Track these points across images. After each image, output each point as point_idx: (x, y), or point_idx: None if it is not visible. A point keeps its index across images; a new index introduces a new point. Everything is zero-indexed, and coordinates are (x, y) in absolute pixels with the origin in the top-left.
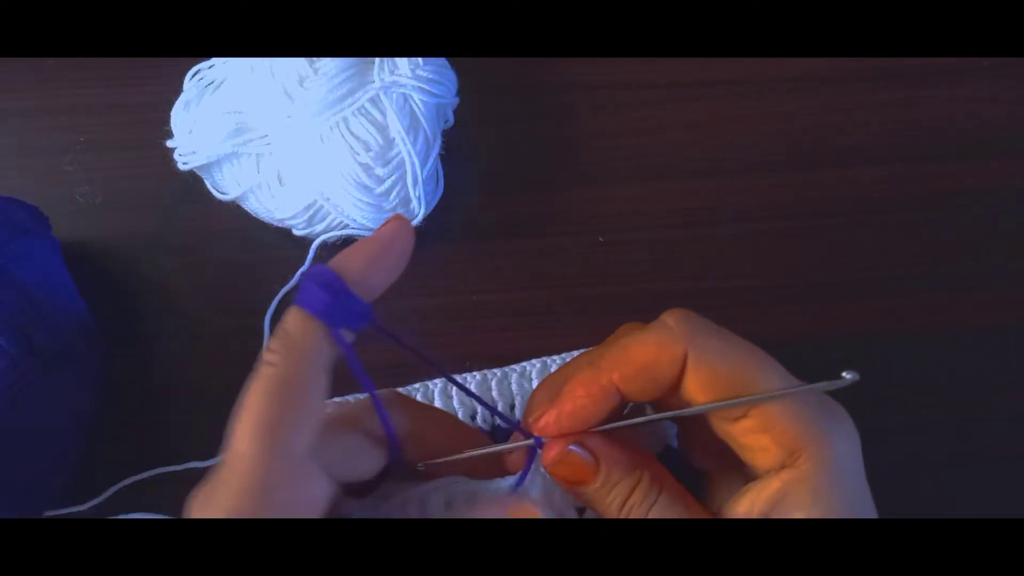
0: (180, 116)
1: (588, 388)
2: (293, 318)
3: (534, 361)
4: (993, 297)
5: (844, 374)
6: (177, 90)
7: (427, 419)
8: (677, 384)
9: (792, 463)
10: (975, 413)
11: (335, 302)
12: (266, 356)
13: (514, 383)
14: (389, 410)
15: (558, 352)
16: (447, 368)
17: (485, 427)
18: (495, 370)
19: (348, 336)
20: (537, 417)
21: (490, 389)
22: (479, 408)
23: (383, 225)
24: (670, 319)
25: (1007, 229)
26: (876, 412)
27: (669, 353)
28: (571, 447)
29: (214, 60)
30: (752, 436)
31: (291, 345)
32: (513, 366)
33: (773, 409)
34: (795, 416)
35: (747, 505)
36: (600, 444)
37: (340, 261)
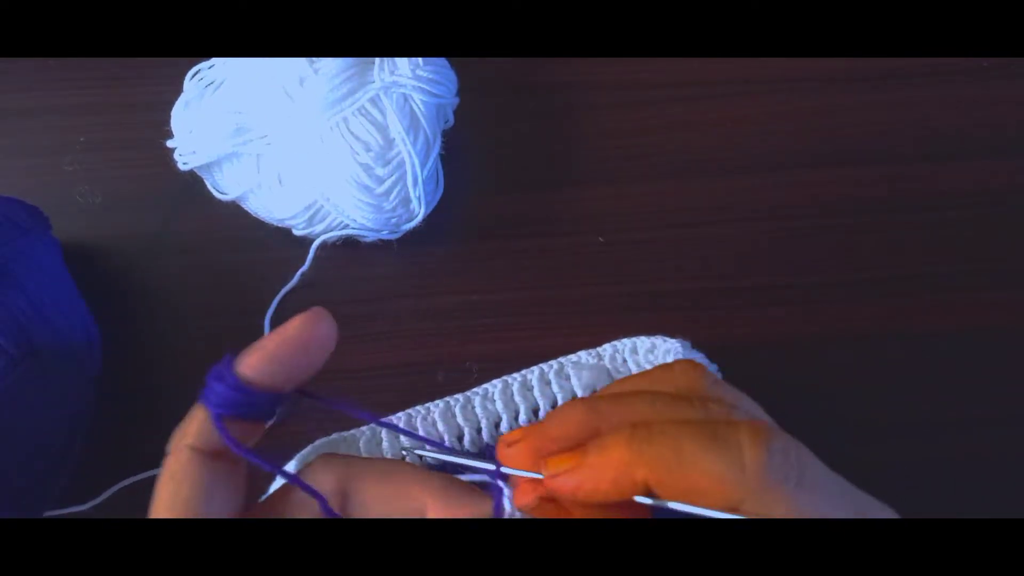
0: (180, 116)
1: (618, 479)
2: (191, 412)
3: (495, 382)
4: (993, 297)
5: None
6: (177, 90)
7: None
8: None
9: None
10: (975, 413)
11: (229, 394)
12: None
13: (478, 406)
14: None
15: (555, 356)
16: (377, 417)
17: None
18: (458, 396)
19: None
20: (555, 470)
21: (454, 416)
22: (446, 436)
23: (292, 321)
24: (749, 449)
25: (1007, 229)
26: (876, 412)
27: (724, 494)
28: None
29: (214, 60)
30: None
31: (179, 436)
32: (476, 389)
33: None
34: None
35: None
36: None
37: (241, 355)
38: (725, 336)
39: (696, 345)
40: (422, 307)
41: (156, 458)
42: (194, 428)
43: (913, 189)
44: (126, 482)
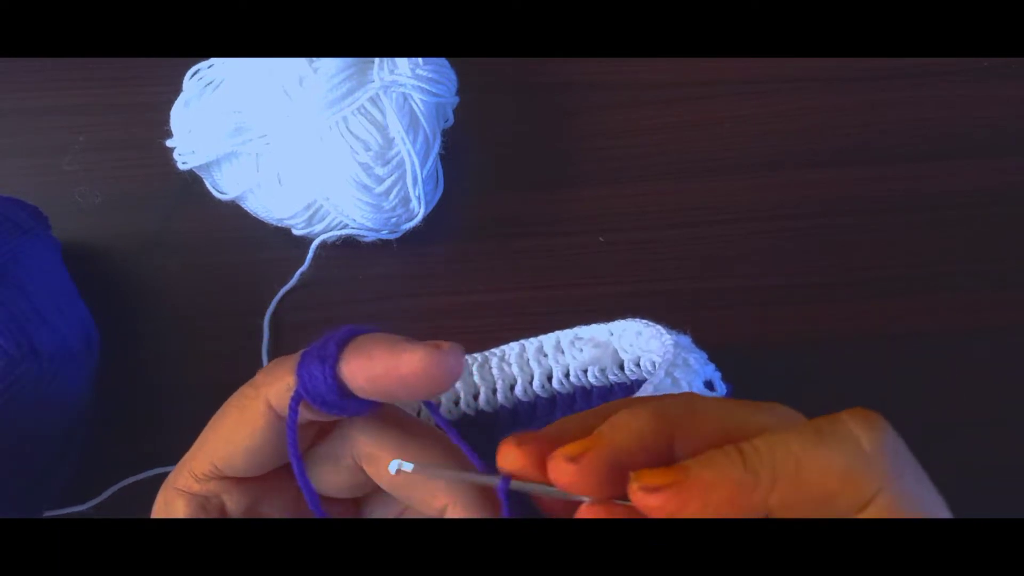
0: (180, 115)
1: (735, 499)
2: (282, 364)
3: (513, 345)
4: (993, 297)
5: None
6: (177, 90)
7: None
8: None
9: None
10: (975, 413)
11: (322, 391)
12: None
13: (495, 367)
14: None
15: None
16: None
17: (470, 412)
18: (475, 355)
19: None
20: (651, 483)
21: (471, 374)
22: (461, 393)
23: (414, 350)
24: (863, 434)
25: (1008, 229)
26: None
27: (856, 490)
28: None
29: (214, 60)
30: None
31: (264, 382)
32: (494, 350)
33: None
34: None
35: None
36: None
37: (350, 356)
38: (725, 336)
39: (696, 345)
40: (422, 307)
41: (156, 458)
42: (280, 389)
43: (912, 189)
44: (126, 482)
